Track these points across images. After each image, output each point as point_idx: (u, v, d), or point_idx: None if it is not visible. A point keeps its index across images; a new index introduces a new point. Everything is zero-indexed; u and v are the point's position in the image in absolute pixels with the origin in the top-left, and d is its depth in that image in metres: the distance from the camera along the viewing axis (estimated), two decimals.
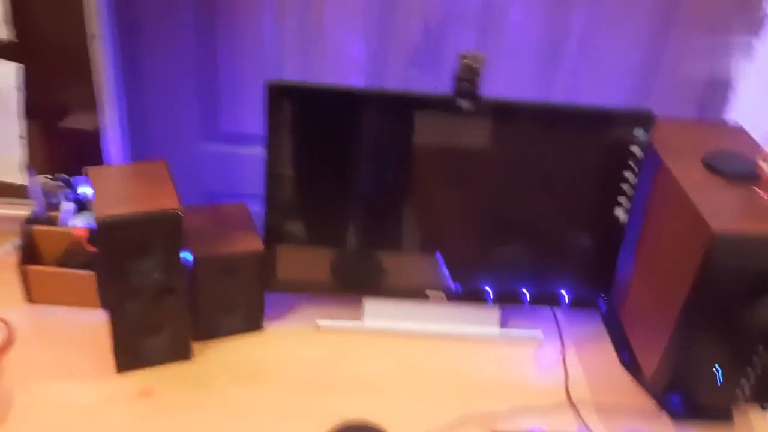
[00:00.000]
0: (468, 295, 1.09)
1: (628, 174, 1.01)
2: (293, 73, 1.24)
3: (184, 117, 1.27)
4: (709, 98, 1.25)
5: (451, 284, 1.09)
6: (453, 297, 1.09)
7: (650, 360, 1.01)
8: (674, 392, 0.99)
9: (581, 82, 1.24)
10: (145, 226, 0.87)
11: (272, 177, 0.99)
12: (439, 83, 1.22)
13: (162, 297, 0.93)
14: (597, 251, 1.08)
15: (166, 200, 0.89)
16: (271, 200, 1.01)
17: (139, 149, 1.29)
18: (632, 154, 1.00)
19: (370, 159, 1.01)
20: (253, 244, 1.01)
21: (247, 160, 1.30)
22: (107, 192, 0.91)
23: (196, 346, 1.02)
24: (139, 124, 1.27)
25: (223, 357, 1.02)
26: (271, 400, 0.96)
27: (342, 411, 0.95)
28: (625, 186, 1.02)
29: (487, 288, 1.10)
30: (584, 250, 1.09)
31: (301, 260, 1.06)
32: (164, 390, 0.96)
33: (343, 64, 1.22)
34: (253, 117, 1.17)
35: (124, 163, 1.15)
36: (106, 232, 0.85)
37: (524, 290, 1.10)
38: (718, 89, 1.23)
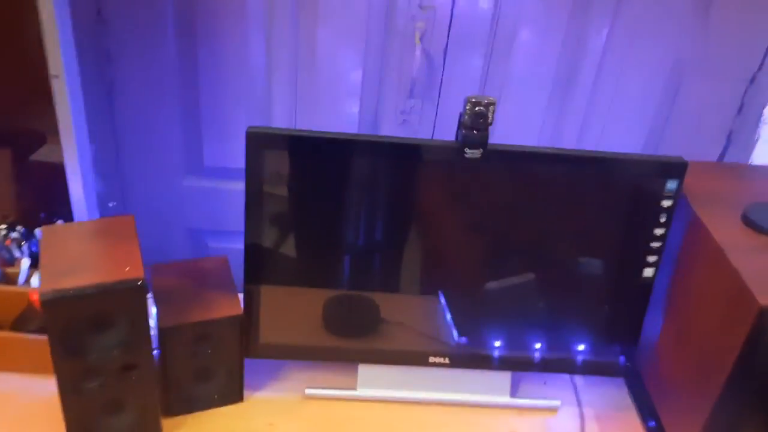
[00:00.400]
0: (475, 357, 0.97)
1: (657, 230, 0.89)
2: (282, 106, 1.13)
3: (166, 151, 1.17)
4: (732, 141, 1.14)
5: (457, 339, 0.97)
6: (458, 361, 0.97)
7: None
8: None
9: (593, 120, 1.13)
10: (101, 299, 0.75)
11: (253, 231, 0.87)
12: (441, 118, 1.11)
13: (125, 373, 0.81)
14: (621, 311, 0.96)
15: (129, 267, 0.77)
16: (252, 256, 0.89)
17: (118, 187, 1.18)
18: (662, 208, 0.88)
19: (366, 209, 0.89)
20: (231, 307, 0.89)
21: (233, 196, 1.20)
22: (60, 257, 0.79)
23: (168, 423, 0.90)
24: (116, 162, 1.17)
25: None
26: None
27: None
28: (653, 242, 0.90)
29: (496, 349, 0.97)
30: (606, 310, 0.96)
31: (287, 322, 0.94)
32: None
33: (337, 93, 1.11)
34: (239, 150, 1.06)
35: (84, 221, 1.03)
36: (51, 308, 0.74)
37: (538, 352, 0.98)
38: (741, 131, 1.13)
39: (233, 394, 0.94)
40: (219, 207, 1.23)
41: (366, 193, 0.89)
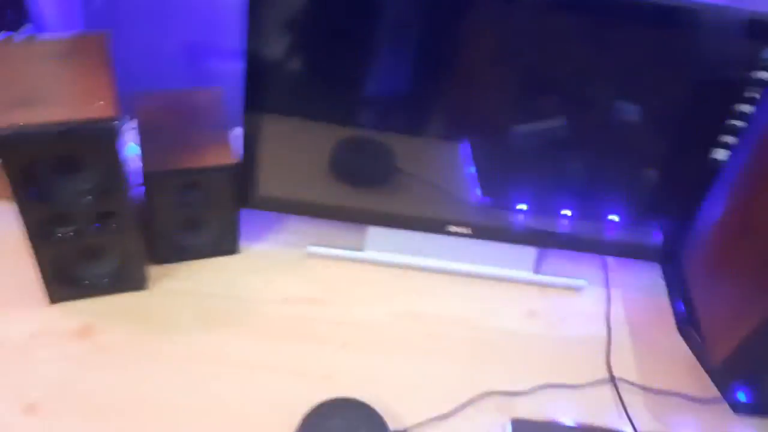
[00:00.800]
0: (498, 229, 0.86)
1: (742, 106, 0.73)
2: None
3: None
4: None
5: (479, 199, 0.85)
6: (480, 232, 0.86)
7: (722, 341, 0.79)
8: (744, 384, 0.79)
9: None
10: (66, 140, 0.63)
11: (256, 39, 0.71)
12: None
13: (101, 221, 0.71)
14: (674, 188, 0.83)
15: (102, 102, 0.64)
16: (254, 74, 0.73)
17: None
18: (754, 80, 0.71)
19: (389, 36, 0.73)
20: (224, 154, 0.77)
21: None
22: (16, 82, 0.66)
23: (155, 271, 0.82)
24: None
25: (186, 287, 0.82)
26: (241, 350, 0.77)
27: (327, 368, 0.77)
28: (734, 121, 0.74)
29: (522, 214, 0.86)
30: (656, 183, 0.83)
31: (290, 166, 0.82)
32: (108, 329, 0.77)
33: None
34: None
35: (48, 38, 0.87)
36: (5, 148, 0.61)
37: (567, 222, 0.86)
38: None
39: (227, 246, 0.85)
40: (221, 16, 1.05)
41: (391, 18, 0.72)
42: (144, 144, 0.76)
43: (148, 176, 0.74)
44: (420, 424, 0.74)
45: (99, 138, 0.64)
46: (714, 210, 0.84)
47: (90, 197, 0.68)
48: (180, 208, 0.78)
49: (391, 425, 0.72)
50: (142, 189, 0.76)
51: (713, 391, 0.80)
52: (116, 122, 0.63)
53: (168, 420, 0.71)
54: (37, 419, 0.69)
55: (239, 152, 0.79)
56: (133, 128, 0.79)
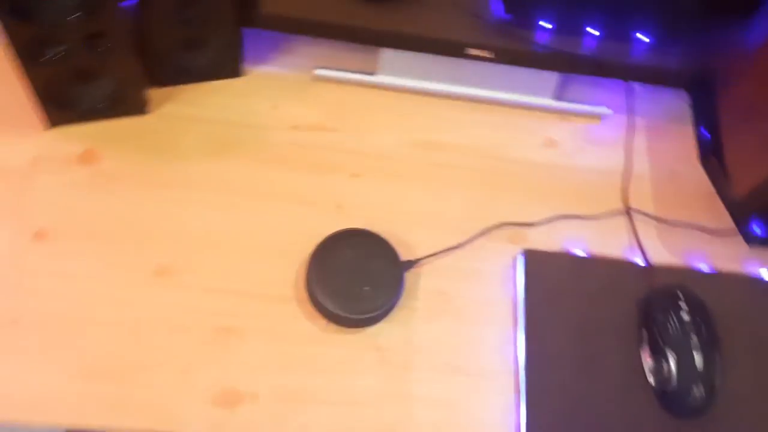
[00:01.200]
0: (520, 52, 0.80)
1: None
2: None
3: None
4: None
5: (502, 15, 0.79)
6: (502, 54, 0.80)
7: (746, 174, 0.77)
8: (761, 218, 0.78)
9: None
10: None
11: None
12: None
13: (91, 41, 0.66)
14: (714, 6, 0.76)
15: None
16: None
17: None
18: None
19: None
20: None
21: None
22: None
23: (156, 94, 0.78)
24: None
25: (188, 112, 0.78)
26: (247, 177, 0.75)
27: (337, 198, 0.75)
28: None
29: (546, 33, 0.80)
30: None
31: None
32: (110, 154, 0.74)
33: None
34: None
35: None
36: None
37: (593, 42, 0.80)
38: None
39: (229, 67, 0.80)
40: None
41: None
42: None
43: None
44: (432, 255, 0.73)
45: None
46: (755, 33, 0.77)
47: (78, 14, 0.62)
48: (178, 25, 0.72)
49: (402, 255, 0.71)
50: (137, 4, 0.69)
51: (727, 224, 0.79)
52: None
53: (178, 245, 0.70)
54: (48, 244, 0.68)
55: None
56: None
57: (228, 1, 0.71)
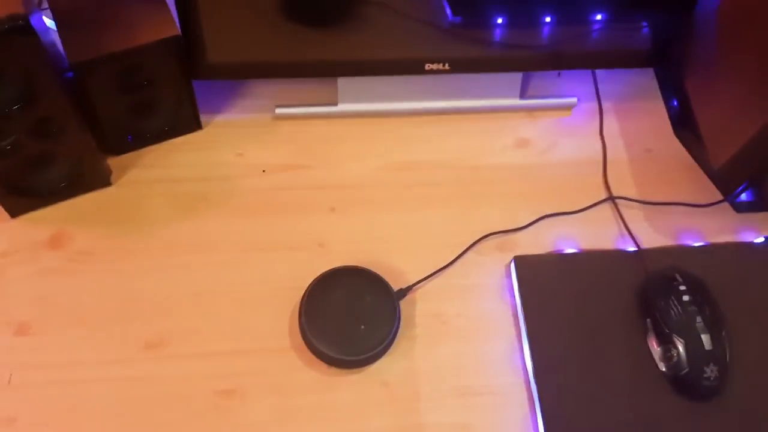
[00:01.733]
0: (479, 58, 0.78)
1: None
2: None
3: None
4: None
5: (450, 19, 0.77)
6: (459, 65, 0.78)
7: (724, 142, 0.76)
8: (747, 184, 0.77)
9: None
10: None
11: None
12: None
13: (40, 127, 0.64)
14: None
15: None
16: None
17: None
18: None
19: None
20: (163, 25, 0.67)
21: None
22: None
23: (116, 162, 0.76)
24: None
25: (153, 175, 0.76)
26: (226, 233, 0.74)
27: (319, 236, 0.74)
28: None
29: (499, 29, 0.78)
30: None
31: (238, 26, 0.73)
32: (80, 234, 0.72)
33: None
34: None
35: None
36: None
37: (549, 32, 0.79)
38: None
39: (187, 123, 0.78)
40: None
41: None
42: (63, 33, 0.66)
43: (76, 67, 0.65)
44: (423, 279, 0.72)
45: (11, 39, 0.55)
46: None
47: (19, 104, 0.60)
48: (124, 93, 0.70)
49: (394, 285, 0.70)
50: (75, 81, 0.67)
51: (713, 195, 0.78)
52: (26, 16, 0.54)
53: (165, 314, 0.69)
54: (32, 338, 0.67)
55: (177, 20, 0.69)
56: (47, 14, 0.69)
57: (171, 60, 0.69)
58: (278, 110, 0.80)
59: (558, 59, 0.80)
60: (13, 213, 0.71)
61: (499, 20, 0.78)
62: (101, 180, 0.74)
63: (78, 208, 0.73)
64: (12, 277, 0.69)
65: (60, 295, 0.69)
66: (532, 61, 0.80)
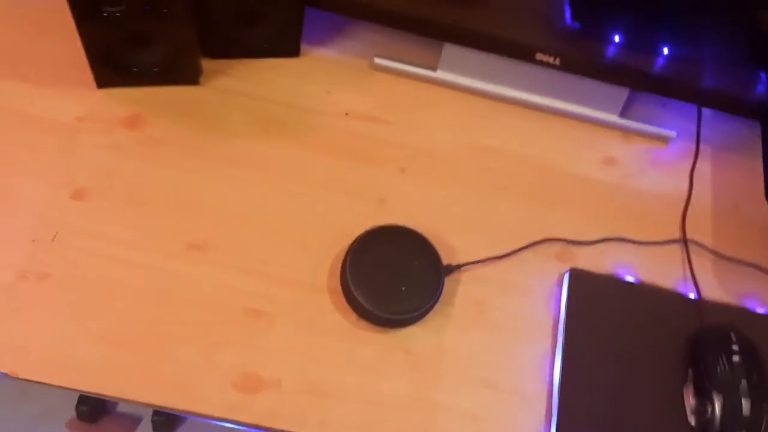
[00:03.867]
0: (590, 63, 0.76)
1: None
2: None
3: None
4: None
5: (569, 23, 0.76)
6: (570, 63, 0.76)
7: None
8: None
9: None
10: None
11: None
12: None
13: (151, 3, 0.64)
14: None
15: None
16: None
17: None
18: None
19: None
20: None
21: None
22: None
23: (209, 66, 0.76)
24: None
25: (241, 87, 0.76)
26: (292, 161, 0.73)
27: (382, 191, 0.73)
28: None
29: (614, 47, 0.76)
30: None
31: None
32: (157, 122, 0.72)
33: None
34: None
35: None
36: None
37: (663, 61, 0.76)
38: None
39: (287, 46, 0.78)
40: None
41: None
42: None
43: None
44: (474, 263, 0.70)
45: None
46: None
47: None
48: None
49: (444, 259, 0.68)
50: None
51: None
52: None
53: (215, 221, 0.68)
54: (86, 204, 0.67)
55: None
56: None
57: None
58: (377, 60, 0.79)
59: (668, 86, 0.77)
60: (101, 83, 0.72)
61: (617, 38, 0.76)
62: (191, 77, 0.74)
63: (161, 97, 0.74)
64: (82, 143, 0.70)
65: (122, 173, 0.69)
66: (642, 81, 0.77)
